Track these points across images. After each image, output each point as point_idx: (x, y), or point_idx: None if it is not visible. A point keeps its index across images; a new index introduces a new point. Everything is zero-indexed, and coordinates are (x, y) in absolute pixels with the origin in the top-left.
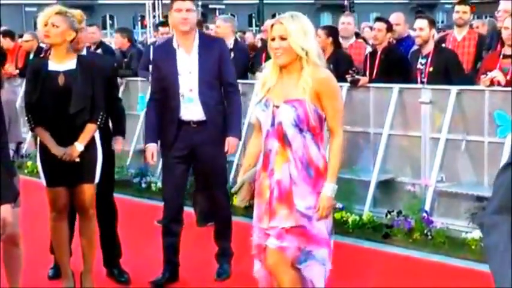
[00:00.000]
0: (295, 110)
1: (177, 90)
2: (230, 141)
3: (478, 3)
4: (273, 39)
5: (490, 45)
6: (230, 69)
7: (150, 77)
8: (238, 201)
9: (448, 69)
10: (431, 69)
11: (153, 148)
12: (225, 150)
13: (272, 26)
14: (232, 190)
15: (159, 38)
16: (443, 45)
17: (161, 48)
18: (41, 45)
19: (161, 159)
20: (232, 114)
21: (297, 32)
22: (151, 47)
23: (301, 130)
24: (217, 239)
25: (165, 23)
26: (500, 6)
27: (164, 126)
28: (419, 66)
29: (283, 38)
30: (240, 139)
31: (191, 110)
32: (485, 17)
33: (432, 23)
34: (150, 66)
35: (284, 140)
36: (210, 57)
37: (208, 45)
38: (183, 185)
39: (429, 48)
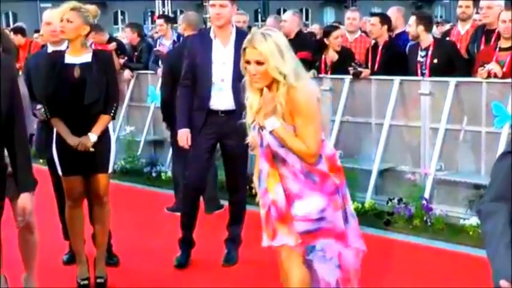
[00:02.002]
0: (273, 137)
1: (210, 78)
2: None
3: None
4: (248, 62)
5: (475, 38)
6: None
7: (158, 70)
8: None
9: (451, 60)
10: (435, 61)
11: (186, 133)
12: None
13: (244, 49)
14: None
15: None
16: (447, 38)
17: (197, 38)
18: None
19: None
20: None
21: (273, 56)
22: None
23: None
24: (230, 225)
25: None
26: (481, 3)
27: (194, 113)
28: (419, 59)
29: (259, 63)
30: None
31: (220, 99)
32: None
33: (421, 19)
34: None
35: (274, 161)
36: None
37: (243, 38)
38: (207, 170)
39: (428, 41)
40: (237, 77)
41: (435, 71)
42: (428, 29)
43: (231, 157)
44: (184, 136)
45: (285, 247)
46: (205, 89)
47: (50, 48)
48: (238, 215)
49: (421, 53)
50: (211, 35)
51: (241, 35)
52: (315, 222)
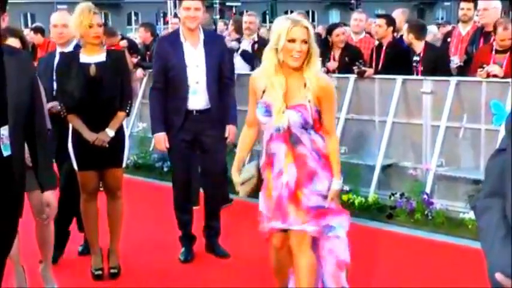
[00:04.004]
0: (301, 114)
1: (186, 81)
2: (231, 129)
3: None
4: (293, 41)
5: (474, 40)
6: (228, 64)
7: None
8: (242, 192)
9: (436, 66)
10: (421, 68)
11: (163, 136)
12: (226, 137)
13: (291, 28)
14: (239, 180)
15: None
16: (448, 39)
17: (167, 40)
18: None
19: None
20: (230, 104)
21: (313, 36)
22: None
23: (306, 129)
24: (211, 219)
25: (176, 15)
26: (479, 5)
27: (169, 114)
28: (414, 64)
29: (304, 41)
30: (236, 126)
31: (196, 100)
32: None
33: (412, 28)
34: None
35: (292, 142)
36: (214, 52)
37: (212, 40)
38: (191, 165)
39: (420, 47)
40: (211, 78)
41: (426, 75)
42: (419, 37)
43: (209, 151)
44: (161, 140)
45: (294, 232)
46: (181, 91)
47: (59, 50)
48: (217, 212)
49: (415, 58)
50: (181, 38)
51: (209, 35)
52: (325, 199)
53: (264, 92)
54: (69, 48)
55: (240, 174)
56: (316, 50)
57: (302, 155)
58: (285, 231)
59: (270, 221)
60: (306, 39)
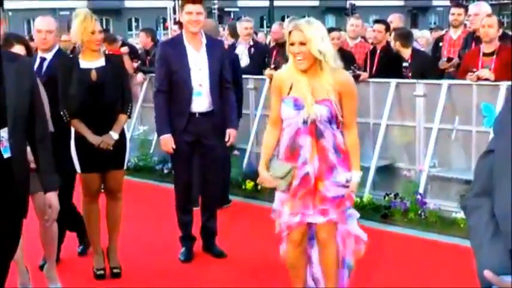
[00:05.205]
0: (328, 108)
1: (190, 84)
2: (231, 133)
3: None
4: (292, 44)
5: (466, 44)
6: (228, 68)
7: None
8: (283, 185)
9: (423, 71)
10: (410, 74)
11: (170, 138)
12: (226, 140)
13: (290, 32)
14: (279, 175)
15: (169, 35)
16: (440, 43)
17: (170, 44)
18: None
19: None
20: (230, 108)
21: (315, 38)
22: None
23: (330, 123)
24: (208, 220)
25: (176, 22)
26: (470, 11)
27: (173, 117)
28: (403, 69)
29: (302, 43)
30: (237, 130)
31: (199, 102)
32: None
33: (398, 36)
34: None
35: (317, 135)
36: (215, 55)
37: (213, 45)
38: (192, 167)
39: (407, 54)
40: (214, 81)
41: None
42: (405, 44)
43: (209, 153)
44: (168, 141)
45: (321, 225)
46: (185, 94)
47: (39, 55)
48: (215, 212)
49: (404, 64)
50: (185, 42)
51: (212, 40)
52: (344, 188)
53: (291, 88)
54: (51, 54)
55: (269, 171)
56: (325, 49)
57: (324, 149)
58: (305, 224)
59: (289, 217)
60: (303, 41)
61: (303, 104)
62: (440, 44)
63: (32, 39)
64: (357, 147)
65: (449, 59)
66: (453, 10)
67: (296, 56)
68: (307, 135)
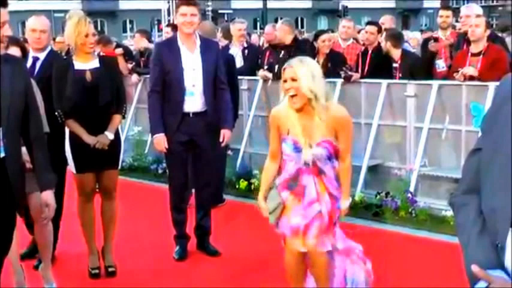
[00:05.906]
0: (327, 150)
1: (183, 84)
2: (226, 133)
3: (459, 7)
4: (285, 81)
5: (458, 46)
6: (223, 69)
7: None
8: (272, 219)
9: (412, 71)
10: (400, 74)
11: (163, 137)
12: (220, 140)
13: (284, 69)
14: (269, 209)
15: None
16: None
17: (165, 45)
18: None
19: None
20: (225, 108)
21: (306, 76)
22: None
23: (330, 159)
24: (202, 219)
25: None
26: (461, 12)
27: (166, 116)
28: (393, 70)
29: (293, 79)
30: (232, 131)
31: (192, 102)
32: None
33: (389, 37)
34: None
35: (320, 174)
36: (210, 56)
37: (207, 46)
38: (187, 166)
39: (397, 55)
40: (207, 82)
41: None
42: (396, 45)
43: (203, 153)
44: (161, 141)
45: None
46: (178, 94)
47: (32, 54)
48: (209, 211)
49: (394, 65)
50: (179, 43)
51: (205, 41)
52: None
53: (289, 129)
54: (44, 54)
55: (266, 202)
56: (315, 88)
57: (326, 186)
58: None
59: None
60: (294, 78)
61: (302, 147)
62: (430, 43)
63: (26, 40)
64: (348, 175)
65: (436, 39)
66: (441, 12)
67: (288, 91)
68: (309, 175)
